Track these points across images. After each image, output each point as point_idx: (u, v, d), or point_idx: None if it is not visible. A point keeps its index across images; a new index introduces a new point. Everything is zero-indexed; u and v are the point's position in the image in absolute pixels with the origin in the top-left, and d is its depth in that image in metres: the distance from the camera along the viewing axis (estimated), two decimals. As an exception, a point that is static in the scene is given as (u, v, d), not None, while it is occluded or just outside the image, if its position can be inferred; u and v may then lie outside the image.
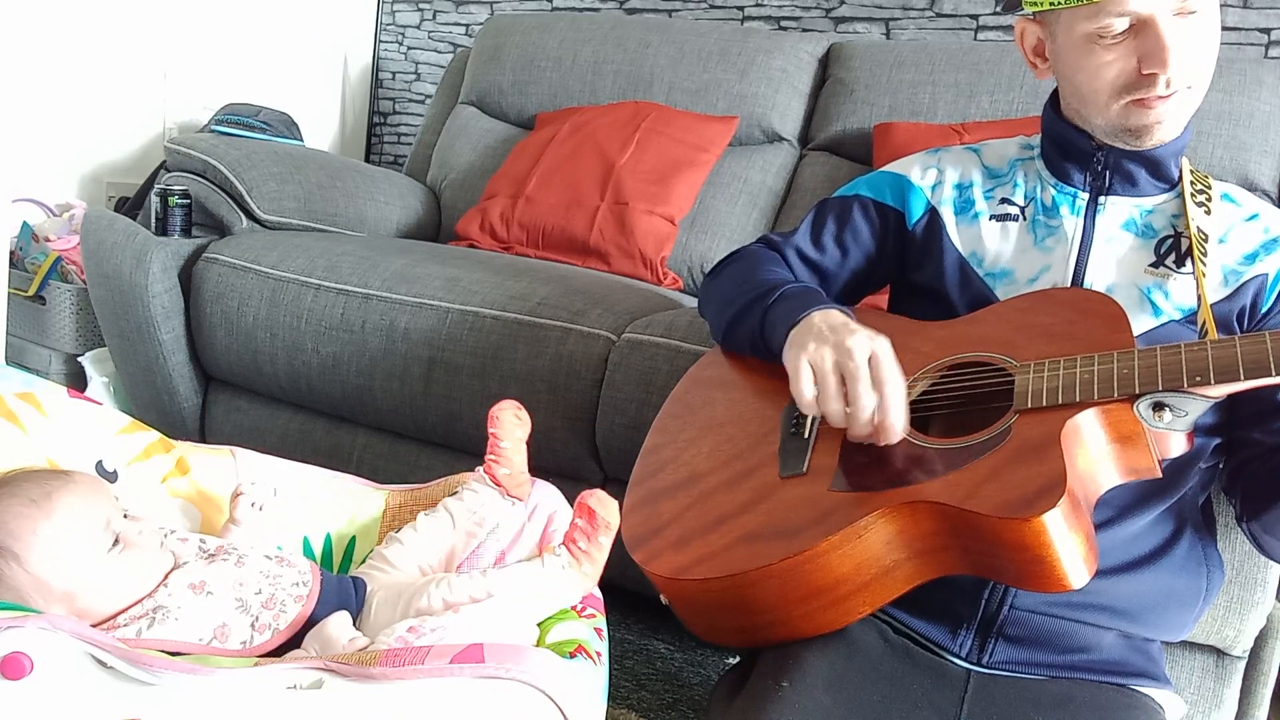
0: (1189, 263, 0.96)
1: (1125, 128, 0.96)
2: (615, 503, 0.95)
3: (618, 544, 0.95)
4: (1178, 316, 0.95)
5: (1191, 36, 0.91)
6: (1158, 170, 0.99)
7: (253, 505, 0.98)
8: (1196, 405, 0.79)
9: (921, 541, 0.82)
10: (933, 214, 1.07)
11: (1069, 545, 0.76)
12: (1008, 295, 1.00)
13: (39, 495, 0.82)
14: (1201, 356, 0.78)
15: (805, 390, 0.90)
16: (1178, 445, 0.82)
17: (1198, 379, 0.77)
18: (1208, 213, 0.99)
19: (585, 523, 0.93)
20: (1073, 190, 1.01)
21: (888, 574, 0.84)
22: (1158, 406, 0.79)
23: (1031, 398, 0.84)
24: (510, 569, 0.93)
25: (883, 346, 0.89)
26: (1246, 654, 1.18)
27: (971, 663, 0.93)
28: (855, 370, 0.87)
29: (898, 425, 0.86)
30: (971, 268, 1.03)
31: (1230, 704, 1.19)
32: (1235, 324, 0.96)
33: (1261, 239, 0.98)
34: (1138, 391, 0.79)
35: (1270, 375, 0.75)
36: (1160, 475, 0.82)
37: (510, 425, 1.05)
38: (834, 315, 0.95)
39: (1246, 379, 0.76)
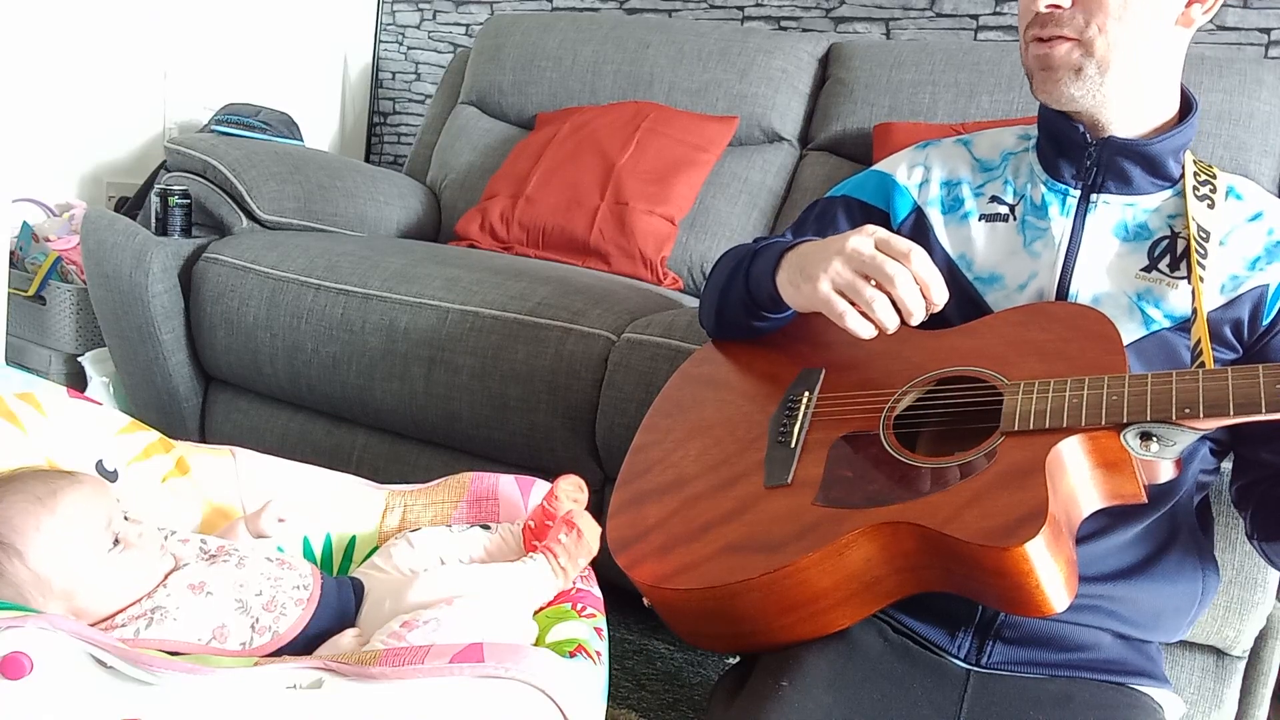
0: (1184, 267, 0.93)
1: (1028, 65, 0.97)
2: (599, 529, 0.97)
3: (607, 545, 0.96)
4: (1168, 325, 0.93)
5: None
6: (1154, 167, 0.96)
7: (280, 521, 0.99)
8: (1185, 436, 0.77)
9: (903, 560, 0.82)
10: (919, 214, 1.06)
11: (1050, 572, 0.75)
12: (997, 301, 0.99)
13: (44, 493, 0.83)
14: (1192, 388, 0.77)
15: (849, 318, 0.91)
16: (1165, 472, 0.81)
17: (1186, 411, 0.76)
18: (1211, 206, 0.95)
19: (570, 540, 0.94)
20: (1064, 188, 0.99)
21: (868, 589, 0.84)
22: (1145, 436, 0.78)
23: (1019, 420, 0.83)
24: (493, 567, 0.93)
25: (876, 228, 0.92)
26: (1246, 654, 1.18)
27: (970, 663, 0.93)
28: (874, 259, 0.89)
29: (941, 289, 0.89)
30: (960, 270, 1.01)
31: (1230, 704, 1.18)
32: (1230, 335, 0.93)
33: (1265, 242, 0.94)
34: (1125, 421, 0.78)
35: (1260, 413, 0.74)
36: (1145, 500, 0.81)
37: (566, 506, 1.00)
38: (811, 243, 0.98)
39: (1236, 415, 0.74)
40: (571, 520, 0.96)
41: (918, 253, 0.89)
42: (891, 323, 0.90)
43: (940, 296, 0.89)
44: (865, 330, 0.91)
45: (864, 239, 0.91)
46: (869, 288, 0.90)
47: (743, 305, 1.06)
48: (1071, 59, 0.93)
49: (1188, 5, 0.92)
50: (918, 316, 0.89)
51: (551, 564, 0.94)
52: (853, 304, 0.91)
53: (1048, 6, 0.91)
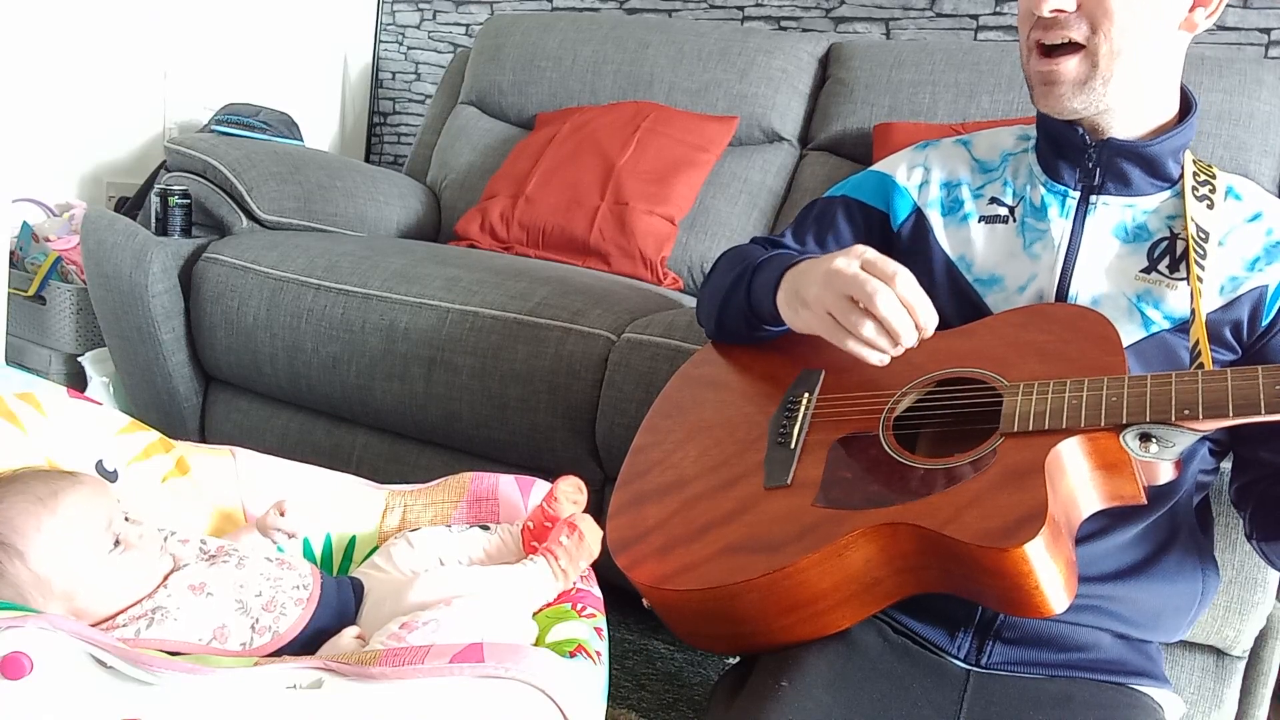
0: (1184, 268, 0.93)
1: (1030, 75, 0.95)
2: (600, 532, 0.96)
3: (607, 545, 0.96)
4: (1167, 326, 0.93)
5: None
6: (1154, 168, 0.96)
7: (290, 537, 1.00)
8: (1184, 437, 0.77)
9: (902, 561, 0.82)
10: (918, 215, 1.05)
11: (1049, 573, 0.75)
12: (997, 303, 0.99)
13: (45, 494, 0.83)
14: (1191, 389, 0.76)
15: (841, 339, 0.90)
16: (1165, 473, 0.81)
17: (1186, 412, 0.76)
18: (1210, 206, 0.95)
19: (571, 543, 0.94)
20: (1063, 189, 0.98)
21: (868, 590, 0.84)
22: (1144, 437, 0.78)
23: (1018, 421, 0.83)
24: (494, 569, 0.94)
25: (867, 250, 0.89)
26: (1246, 654, 1.18)
27: (970, 663, 0.93)
28: (856, 278, 0.87)
29: (927, 312, 0.86)
30: (960, 271, 1.01)
31: (1230, 704, 1.18)
32: (1229, 336, 0.93)
33: (1264, 243, 0.94)
34: (1124, 421, 0.78)
35: (1260, 414, 0.73)
36: (1145, 502, 0.81)
37: (566, 507, 1.00)
38: (810, 261, 0.96)
39: (1235, 416, 0.74)
40: (573, 523, 0.96)
41: (903, 274, 0.87)
42: (883, 344, 0.88)
43: (928, 320, 0.87)
44: (869, 355, 0.89)
45: (849, 260, 0.89)
46: (855, 310, 0.88)
47: (744, 318, 1.06)
48: (1077, 73, 0.92)
49: (1191, 10, 0.92)
50: (907, 338, 0.87)
51: (552, 566, 0.94)
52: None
53: (1052, 11, 0.90)
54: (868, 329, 0.87)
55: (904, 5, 2.35)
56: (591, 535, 0.96)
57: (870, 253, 0.89)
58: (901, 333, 0.86)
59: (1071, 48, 0.91)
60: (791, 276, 0.97)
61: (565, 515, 1.00)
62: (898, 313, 0.86)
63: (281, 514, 0.99)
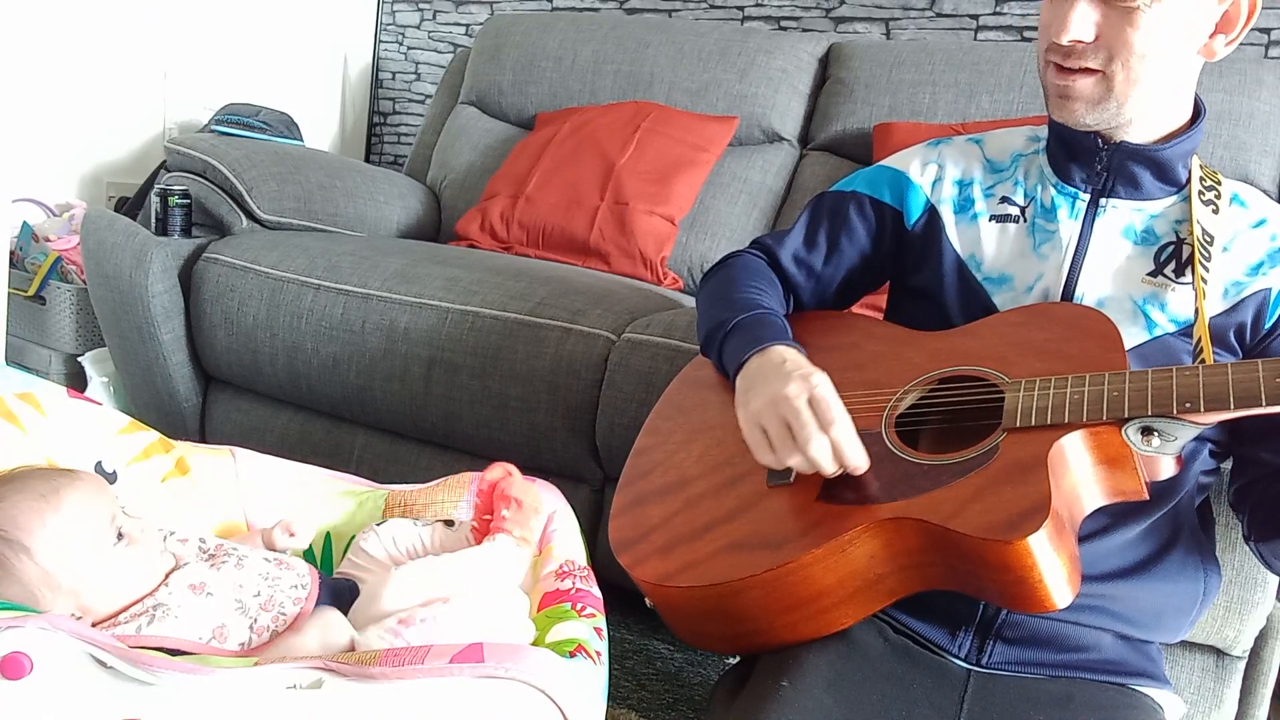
0: (1189, 272, 0.93)
1: (1047, 88, 0.96)
2: (534, 486, 0.98)
3: (608, 546, 0.96)
4: (1171, 329, 0.93)
5: (1116, 21, 0.88)
6: (1163, 172, 0.96)
7: (291, 536, 1.00)
8: (1186, 431, 0.78)
9: (906, 557, 0.82)
10: (932, 213, 1.05)
11: (1053, 567, 0.76)
12: (1005, 302, 0.99)
13: (47, 491, 0.83)
14: (1192, 383, 0.77)
15: (763, 456, 0.90)
16: (1167, 469, 0.82)
17: (1187, 405, 0.76)
18: (1215, 211, 0.96)
19: (513, 513, 0.96)
20: (1073, 191, 0.99)
21: (871, 587, 0.84)
22: (1146, 431, 0.78)
23: (1020, 416, 0.83)
24: (465, 551, 0.94)
25: (820, 385, 0.88)
26: (1246, 654, 1.18)
27: (971, 663, 0.93)
28: (798, 421, 0.86)
29: (858, 462, 0.86)
30: (970, 271, 1.01)
31: (1230, 704, 1.18)
32: (1233, 339, 0.93)
33: (1268, 248, 0.95)
34: (1126, 415, 0.79)
35: (1260, 406, 0.74)
36: (1147, 497, 0.81)
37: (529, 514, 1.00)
38: (772, 357, 0.95)
39: (1236, 409, 0.75)
40: (504, 494, 0.97)
41: (841, 424, 0.86)
42: (803, 470, 0.88)
43: (856, 465, 0.86)
44: (777, 466, 0.90)
45: (798, 391, 0.88)
46: (789, 442, 0.87)
47: (720, 368, 1.05)
48: (1093, 93, 0.92)
49: (1211, 36, 0.92)
50: (829, 473, 0.87)
51: (511, 538, 0.94)
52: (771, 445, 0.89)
53: (1070, 41, 0.90)
54: (794, 461, 0.87)
55: (904, 5, 2.35)
56: (528, 496, 0.96)
57: (820, 388, 0.88)
58: (826, 471, 0.87)
59: (1089, 69, 0.92)
60: (752, 370, 0.96)
61: (529, 526, 1.00)
62: (826, 458, 0.86)
63: (290, 535, 0.99)
